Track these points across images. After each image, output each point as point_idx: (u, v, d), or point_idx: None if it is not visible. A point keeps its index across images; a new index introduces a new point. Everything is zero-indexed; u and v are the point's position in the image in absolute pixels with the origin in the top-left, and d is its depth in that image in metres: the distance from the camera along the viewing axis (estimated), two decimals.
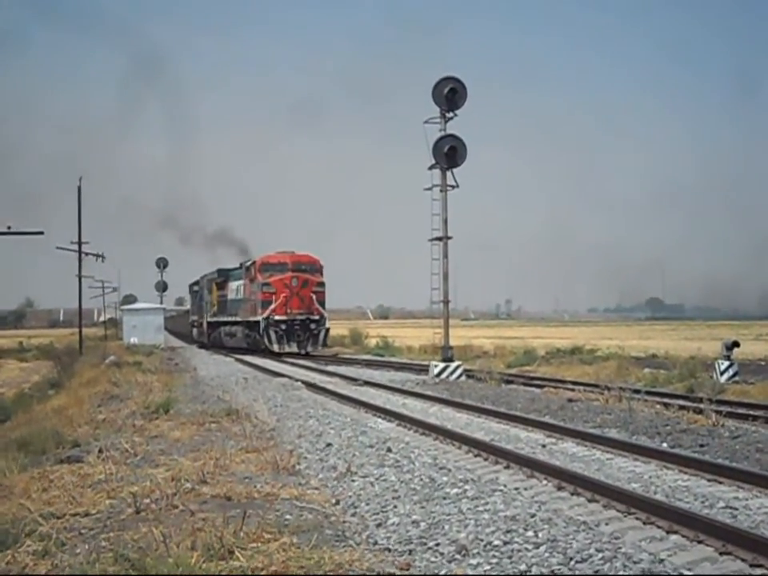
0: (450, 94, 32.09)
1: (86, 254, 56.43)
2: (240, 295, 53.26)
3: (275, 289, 47.56)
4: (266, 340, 47.15)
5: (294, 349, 47.06)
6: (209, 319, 62.42)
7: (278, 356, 45.39)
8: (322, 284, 49.27)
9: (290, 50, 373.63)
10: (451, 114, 32.58)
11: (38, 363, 52.22)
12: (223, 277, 58.46)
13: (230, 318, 55.67)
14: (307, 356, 45.78)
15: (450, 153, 31.95)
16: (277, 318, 47.11)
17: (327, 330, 48.75)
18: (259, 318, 47.60)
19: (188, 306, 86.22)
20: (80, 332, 55.98)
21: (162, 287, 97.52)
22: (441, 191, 32.68)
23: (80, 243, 53.96)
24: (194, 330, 72.40)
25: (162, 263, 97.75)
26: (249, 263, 52.21)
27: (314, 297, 48.11)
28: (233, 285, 55.76)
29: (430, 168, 32.91)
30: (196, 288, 72.09)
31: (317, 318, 47.99)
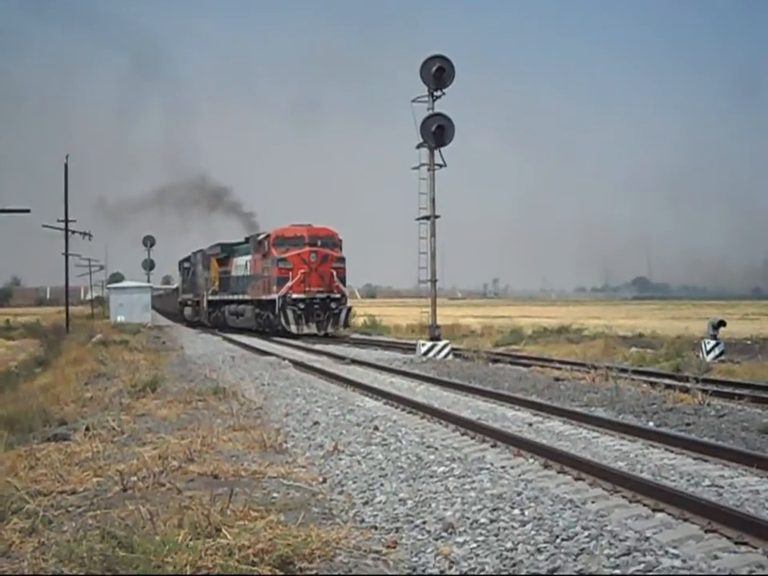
0: (438, 73, 32.09)
1: (73, 232, 56.19)
2: (248, 272, 49.63)
3: (292, 265, 43.91)
4: (282, 320, 43.50)
5: (314, 330, 43.64)
6: (209, 297, 57.90)
7: (294, 337, 42.10)
8: (342, 259, 45.73)
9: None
10: (439, 93, 32.54)
11: (24, 341, 52.03)
12: (226, 252, 54.70)
13: (235, 297, 51.82)
14: (326, 337, 42.92)
15: (437, 132, 31.93)
16: (294, 296, 43.49)
17: (349, 309, 45.72)
18: (274, 296, 44.00)
19: (176, 285, 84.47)
20: (66, 310, 55.75)
21: (149, 265, 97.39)
22: (428, 170, 32.68)
23: (66, 221, 53.69)
24: (187, 309, 68.43)
25: (149, 241, 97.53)
26: (261, 236, 47.99)
27: (334, 273, 44.60)
28: (239, 260, 52.08)
29: (418, 147, 32.91)
30: (187, 265, 68.33)
31: (337, 296, 44.61)
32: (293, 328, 43.24)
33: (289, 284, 43.52)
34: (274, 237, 45.77)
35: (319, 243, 44.98)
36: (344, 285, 45.45)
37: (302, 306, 43.48)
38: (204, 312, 59.51)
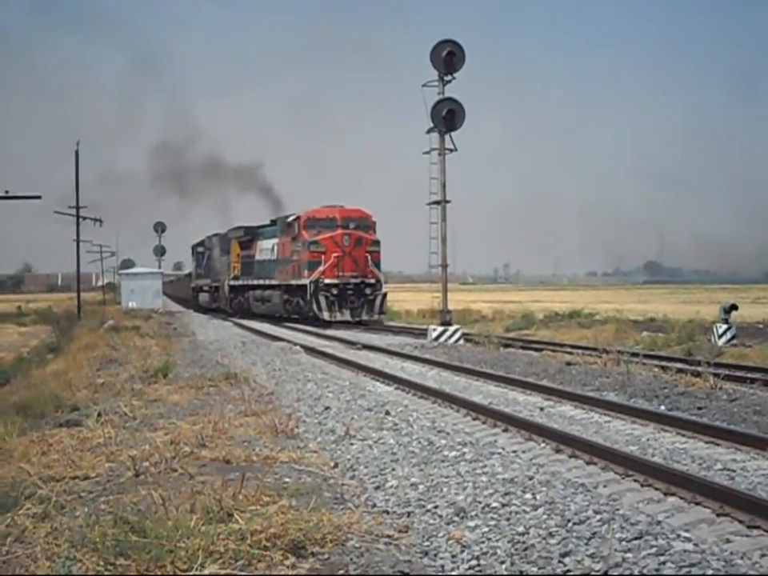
0: (448, 57, 31.94)
1: (84, 218, 56.35)
2: (274, 255, 46.83)
3: (325, 248, 41.39)
4: (314, 307, 41.01)
5: (347, 317, 41.18)
6: (231, 283, 54.70)
7: (326, 325, 40.17)
8: (376, 242, 43.07)
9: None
10: (449, 78, 32.43)
11: (36, 328, 52.17)
12: (250, 235, 51.75)
13: (260, 282, 49.07)
14: (369, 326, 40.80)
15: (448, 116, 31.83)
16: (327, 281, 40.96)
17: (384, 295, 42.63)
18: (305, 281, 41.59)
19: (187, 270, 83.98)
20: (78, 296, 55.91)
21: (161, 251, 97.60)
22: (439, 155, 32.59)
23: (78, 207, 53.84)
24: (202, 295, 65.53)
25: (161, 227, 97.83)
26: (290, 218, 44.94)
27: (369, 257, 42.09)
28: (264, 244, 49.24)
29: (428, 131, 32.81)
30: (201, 249, 65.99)
31: (372, 281, 41.92)
32: (325, 315, 40.98)
33: (321, 268, 41.22)
34: (305, 218, 43.25)
35: (352, 225, 42.53)
36: (379, 269, 43.10)
37: (334, 291, 41.14)
38: (225, 298, 56.65)
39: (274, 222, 49.09)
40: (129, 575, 6.14)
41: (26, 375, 23.12)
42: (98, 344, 29.46)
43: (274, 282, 46.73)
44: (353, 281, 41.48)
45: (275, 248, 46.96)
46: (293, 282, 43.67)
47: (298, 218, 43.82)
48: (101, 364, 23.20)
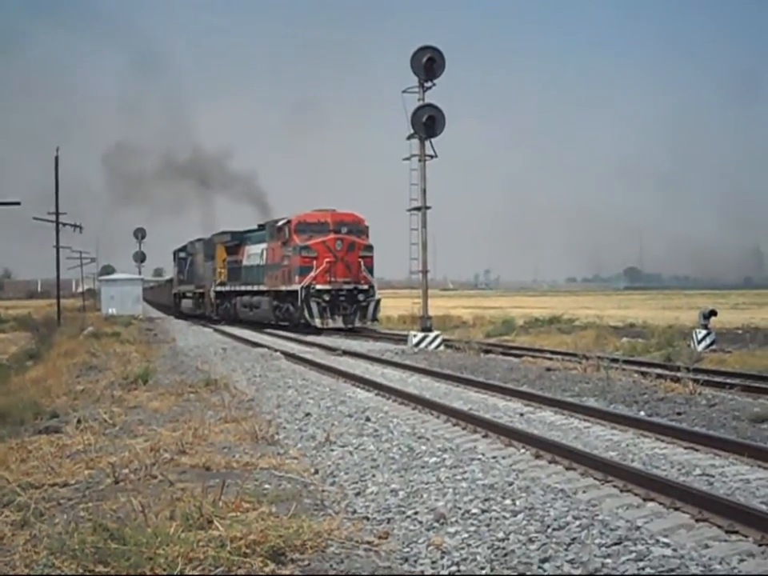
0: (429, 64, 32.07)
1: (64, 224, 56.05)
2: (263, 261, 45.81)
3: (316, 253, 40.31)
4: (306, 313, 39.94)
5: (339, 324, 40.20)
6: (216, 288, 53.62)
7: (317, 332, 39.12)
8: (369, 248, 41.97)
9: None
10: (430, 84, 32.52)
11: (15, 334, 51.77)
12: (237, 240, 51.05)
13: (248, 288, 47.91)
14: (352, 331, 39.96)
15: (428, 122, 31.93)
16: (319, 287, 39.86)
17: (378, 301, 41.51)
18: (296, 287, 40.38)
19: (168, 276, 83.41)
20: (58, 303, 55.64)
21: (141, 258, 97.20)
22: (419, 161, 32.68)
23: (57, 214, 53.59)
24: (185, 302, 64.48)
25: (140, 234, 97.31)
26: (280, 222, 43.79)
27: (362, 263, 41.07)
28: (252, 249, 48.33)
29: (409, 138, 32.92)
30: (183, 255, 64.62)
31: (365, 287, 40.91)
32: (317, 322, 39.89)
33: (312, 274, 40.03)
34: (296, 222, 42.14)
35: (345, 230, 41.58)
36: (372, 275, 41.84)
37: (326, 297, 40.01)
38: (210, 304, 55.51)
39: (262, 227, 48.26)
40: None
41: (5, 382, 22.98)
42: (77, 350, 29.33)
43: (262, 288, 45.65)
44: (345, 287, 40.51)
45: (264, 253, 45.91)
46: (283, 288, 42.55)
47: (289, 221, 42.77)
48: (81, 371, 23.13)
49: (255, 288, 46.80)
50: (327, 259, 40.26)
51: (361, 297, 40.81)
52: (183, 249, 65.46)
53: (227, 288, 52.08)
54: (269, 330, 42.44)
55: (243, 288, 48.84)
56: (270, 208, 58.60)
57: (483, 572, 7.00)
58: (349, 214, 43.07)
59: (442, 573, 7.10)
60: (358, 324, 40.73)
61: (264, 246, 45.98)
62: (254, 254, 47.72)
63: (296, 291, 40.53)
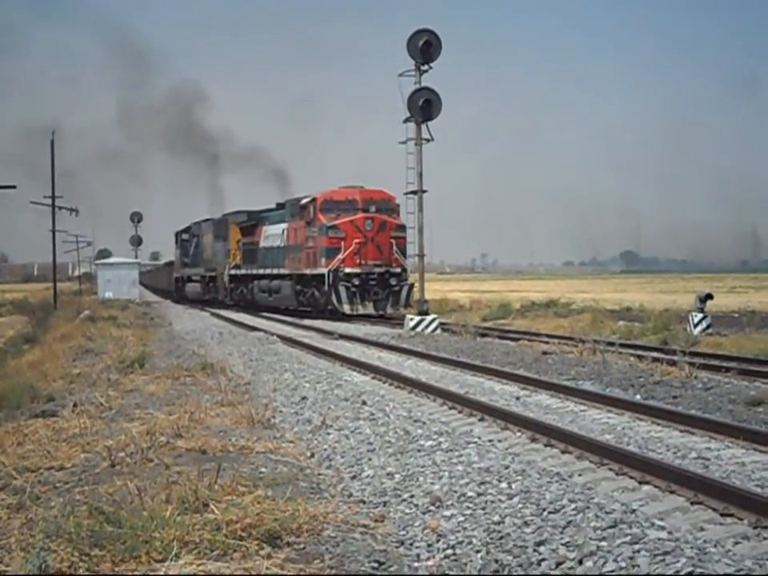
0: (425, 47, 31.97)
1: (60, 207, 56.14)
2: (283, 242, 42.29)
3: (344, 233, 36.97)
4: (333, 299, 36.72)
5: (370, 310, 37.06)
6: (230, 272, 49.71)
7: (346, 318, 36.43)
8: (401, 227, 37.80)
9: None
10: (426, 67, 32.44)
11: (12, 318, 51.80)
12: (253, 219, 47.36)
13: (266, 271, 44.29)
14: (382, 318, 36.90)
15: (424, 106, 31.87)
16: (348, 270, 36.56)
17: (411, 285, 37.77)
18: (322, 270, 37.14)
19: (166, 260, 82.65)
20: (54, 287, 55.71)
21: (137, 241, 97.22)
22: (415, 144, 32.63)
23: (53, 197, 53.61)
24: (190, 286, 60.62)
25: (137, 217, 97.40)
26: (304, 200, 40.09)
27: (394, 243, 37.58)
28: (270, 229, 44.67)
29: (405, 121, 32.88)
30: (186, 236, 61.41)
31: (398, 270, 37.51)
32: (345, 308, 36.65)
33: (341, 256, 36.69)
34: (322, 200, 38.43)
35: (374, 208, 37.88)
36: (404, 257, 38.10)
37: (356, 282, 36.64)
38: (224, 288, 51.39)
39: (281, 206, 45.25)
40: (103, 572, 6.13)
41: (1, 366, 23.00)
42: (74, 334, 29.34)
43: (283, 272, 42.18)
44: (376, 270, 37.22)
45: (285, 233, 42.43)
46: (307, 272, 39.24)
47: (314, 199, 39.03)
48: (77, 354, 23.13)
49: (275, 271, 43.39)
50: (356, 240, 37.05)
51: (393, 281, 37.47)
52: (187, 230, 62.40)
53: (243, 271, 48.49)
54: (265, 315, 42.27)
55: (261, 271, 45.54)
56: (290, 181, 57.00)
57: (479, 555, 7.02)
58: (378, 191, 39.54)
59: (438, 555, 7.12)
60: (389, 310, 37.64)
61: (284, 225, 42.66)
62: (273, 234, 44.32)
63: (322, 275, 37.40)
